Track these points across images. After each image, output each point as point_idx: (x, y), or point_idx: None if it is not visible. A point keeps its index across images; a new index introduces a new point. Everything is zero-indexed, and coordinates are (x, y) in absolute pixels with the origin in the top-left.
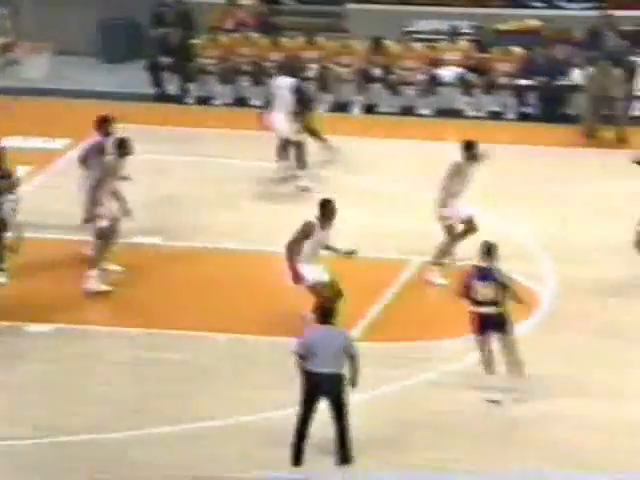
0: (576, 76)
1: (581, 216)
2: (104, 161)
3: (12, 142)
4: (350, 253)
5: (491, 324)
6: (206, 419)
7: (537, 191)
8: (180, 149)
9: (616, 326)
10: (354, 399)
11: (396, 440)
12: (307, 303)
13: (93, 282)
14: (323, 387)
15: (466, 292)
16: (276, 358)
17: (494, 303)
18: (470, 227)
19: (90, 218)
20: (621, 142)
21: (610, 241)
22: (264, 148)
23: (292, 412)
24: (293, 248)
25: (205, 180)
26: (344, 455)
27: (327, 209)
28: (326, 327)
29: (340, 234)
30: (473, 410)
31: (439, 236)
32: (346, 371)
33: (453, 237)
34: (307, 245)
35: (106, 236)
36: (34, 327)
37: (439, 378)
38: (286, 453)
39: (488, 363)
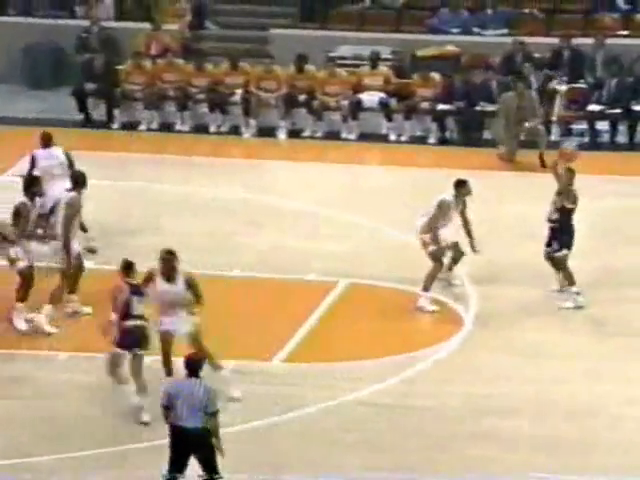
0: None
1: (500, 238)
2: (69, 199)
3: None
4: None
5: (136, 339)
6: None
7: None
8: (106, 174)
9: (535, 345)
10: (285, 418)
11: (327, 458)
12: None
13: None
14: (185, 440)
15: (124, 307)
16: None
17: (144, 318)
18: (457, 252)
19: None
20: (543, 166)
21: (529, 262)
22: (189, 172)
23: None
24: None
25: (131, 204)
26: None
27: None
28: (191, 380)
29: (266, 256)
30: (400, 428)
31: (364, 258)
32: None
33: (440, 263)
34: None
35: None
36: None
37: (366, 397)
38: None
39: (120, 377)
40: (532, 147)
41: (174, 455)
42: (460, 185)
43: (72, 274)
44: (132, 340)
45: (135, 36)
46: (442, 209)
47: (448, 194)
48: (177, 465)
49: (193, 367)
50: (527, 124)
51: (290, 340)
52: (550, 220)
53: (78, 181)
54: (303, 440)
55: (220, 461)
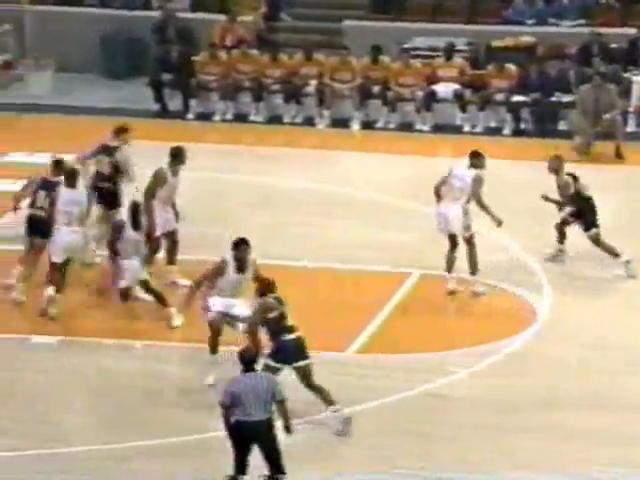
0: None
1: (574, 229)
2: (156, 170)
3: (15, 157)
4: None
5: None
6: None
7: (531, 205)
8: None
9: (606, 337)
10: (356, 409)
11: (397, 449)
12: None
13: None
14: (253, 435)
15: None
16: None
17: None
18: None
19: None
20: (619, 157)
21: (602, 252)
22: (263, 163)
23: None
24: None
25: (204, 195)
26: None
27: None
28: (251, 375)
29: (337, 247)
30: (467, 420)
31: (438, 249)
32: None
33: (474, 247)
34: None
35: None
36: (37, 339)
37: (437, 389)
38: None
39: None
40: (607, 139)
41: (240, 454)
42: (477, 156)
43: (170, 245)
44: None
45: (210, 27)
46: (479, 183)
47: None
48: (243, 464)
49: (249, 361)
50: (605, 116)
51: (363, 331)
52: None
53: (173, 155)
54: (373, 431)
55: (292, 453)
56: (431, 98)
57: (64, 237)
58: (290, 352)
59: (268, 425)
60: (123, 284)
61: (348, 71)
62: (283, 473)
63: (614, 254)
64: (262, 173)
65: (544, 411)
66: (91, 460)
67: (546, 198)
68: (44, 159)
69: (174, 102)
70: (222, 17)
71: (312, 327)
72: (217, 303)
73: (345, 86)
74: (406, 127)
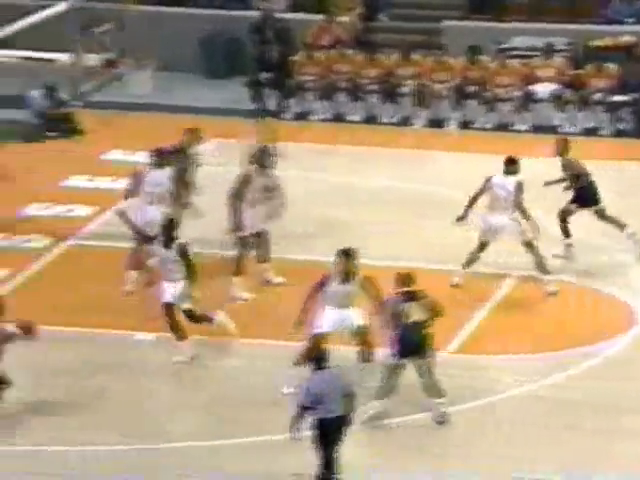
0: None
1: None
2: (243, 171)
3: (115, 155)
4: None
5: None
6: None
7: (633, 206)
8: (279, 164)
9: None
10: (453, 409)
11: (493, 451)
12: None
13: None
14: (338, 430)
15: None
16: None
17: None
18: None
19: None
20: None
21: None
22: (359, 162)
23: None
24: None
25: (300, 194)
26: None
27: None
28: (325, 372)
29: (436, 247)
30: (560, 422)
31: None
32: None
33: (535, 248)
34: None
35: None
36: (140, 335)
37: (534, 391)
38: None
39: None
40: None
41: (327, 451)
42: (512, 163)
43: (261, 244)
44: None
45: (308, 27)
46: (521, 190)
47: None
48: (332, 461)
49: (320, 359)
50: None
51: (460, 331)
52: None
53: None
54: (471, 432)
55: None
56: (529, 98)
57: (148, 215)
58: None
59: (350, 417)
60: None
61: (445, 71)
62: (333, 473)
63: (620, 226)
64: (358, 173)
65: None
66: (189, 456)
67: (547, 183)
68: (143, 158)
69: (271, 102)
70: (320, 17)
71: None
72: (327, 319)
73: (442, 86)
74: (503, 127)
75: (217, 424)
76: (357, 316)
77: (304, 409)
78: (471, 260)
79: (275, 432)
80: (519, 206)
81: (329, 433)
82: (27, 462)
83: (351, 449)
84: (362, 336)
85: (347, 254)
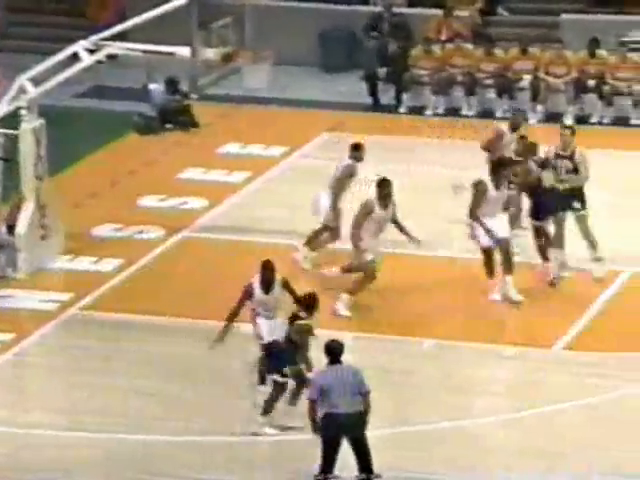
0: None
1: None
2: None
3: (231, 148)
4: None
5: None
6: None
7: None
8: (393, 157)
9: None
10: (562, 407)
11: (605, 449)
12: None
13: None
14: (342, 428)
15: None
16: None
17: None
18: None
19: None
20: None
21: None
22: (473, 157)
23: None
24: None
25: (415, 188)
26: None
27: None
28: (337, 367)
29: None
30: None
31: None
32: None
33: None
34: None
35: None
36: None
37: None
38: None
39: None
40: None
41: (328, 449)
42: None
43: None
44: None
45: (426, 22)
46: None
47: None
48: (331, 460)
49: (335, 353)
50: None
51: (571, 328)
52: None
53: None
54: (581, 429)
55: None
56: None
57: None
58: None
59: (358, 419)
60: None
61: (563, 65)
62: (371, 472)
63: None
64: (470, 167)
65: None
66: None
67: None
68: (259, 150)
69: (387, 96)
70: (438, 12)
71: (520, 322)
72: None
73: (560, 80)
74: (622, 122)
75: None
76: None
77: (312, 402)
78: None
79: None
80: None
81: (332, 429)
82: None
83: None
84: None
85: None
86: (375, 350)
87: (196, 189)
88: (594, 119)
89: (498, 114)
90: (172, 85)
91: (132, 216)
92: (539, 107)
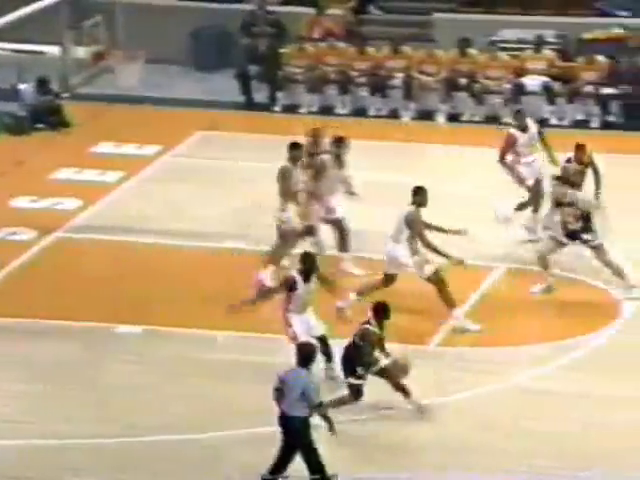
0: None
1: None
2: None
3: (105, 148)
4: (460, 263)
5: None
6: None
7: (619, 199)
8: (266, 157)
9: None
10: (439, 402)
11: (484, 444)
12: None
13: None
14: (286, 430)
15: None
16: None
17: None
18: None
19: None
20: None
21: None
22: (348, 155)
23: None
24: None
25: None
26: None
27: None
28: (297, 370)
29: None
30: (551, 414)
31: (522, 243)
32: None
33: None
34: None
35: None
36: (123, 328)
37: (523, 383)
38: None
39: None
40: None
41: (281, 447)
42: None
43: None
44: None
45: (298, 20)
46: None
47: None
48: (281, 459)
49: (302, 356)
50: None
51: (446, 324)
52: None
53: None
54: (458, 424)
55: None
56: (519, 91)
57: None
58: None
59: (300, 424)
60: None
61: (435, 64)
62: (323, 474)
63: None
64: (347, 165)
65: (631, 408)
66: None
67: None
68: (133, 150)
69: (261, 94)
70: (311, 10)
71: (395, 321)
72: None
73: (432, 79)
74: (492, 120)
75: (208, 416)
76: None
77: (274, 391)
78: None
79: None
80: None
81: (281, 429)
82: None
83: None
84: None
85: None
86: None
87: (69, 189)
88: (465, 117)
89: (371, 112)
90: (43, 85)
91: (4, 218)
92: (411, 105)
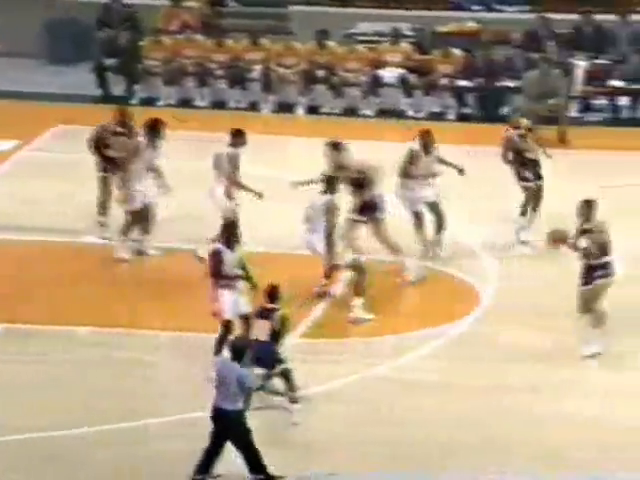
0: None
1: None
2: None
3: None
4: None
5: None
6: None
7: (476, 190)
8: None
9: (552, 320)
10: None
11: (346, 436)
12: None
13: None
14: (219, 423)
15: None
16: None
17: None
18: None
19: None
20: (562, 142)
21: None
22: (208, 148)
23: None
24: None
25: None
26: None
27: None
28: (231, 363)
29: (283, 233)
30: (415, 403)
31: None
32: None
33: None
34: None
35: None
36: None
37: (383, 373)
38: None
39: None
40: (551, 123)
41: (210, 442)
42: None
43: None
44: None
45: (155, 12)
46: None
47: None
48: (208, 454)
49: (234, 350)
50: (551, 101)
51: (306, 316)
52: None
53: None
54: (317, 417)
55: None
56: (376, 83)
57: None
58: None
59: (236, 417)
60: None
61: (293, 56)
62: (263, 472)
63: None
64: (207, 158)
65: (492, 394)
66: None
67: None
68: None
69: (119, 87)
70: (166, 2)
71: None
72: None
73: (290, 71)
74: (351, 112)
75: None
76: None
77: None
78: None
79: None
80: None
81: (213, 422)
82: None
83: None
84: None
85: None
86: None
87: None
88: (325, 109)
89: (231, 105)
90: None
91: None
92: (270, 97)
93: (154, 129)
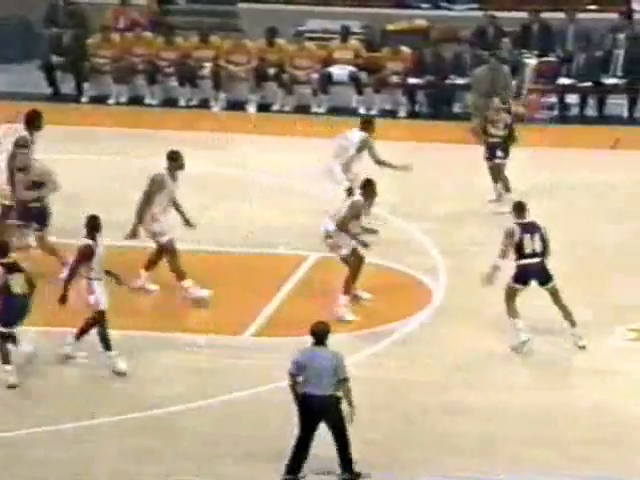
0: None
1: (475, 212)
2: (153, 176)
3: None
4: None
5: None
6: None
7: (427, 186)
8: (75, 148)
9: (504, 318)
10: (255, 391)
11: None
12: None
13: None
14: (317, 410)
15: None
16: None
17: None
18: None
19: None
20: (512, 140)
21: (497, 234)
22: (158, 146)
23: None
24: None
25: (102, 178)
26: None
27: None
28: (318, 348)
29: (235, 230)
30: (368, 401)
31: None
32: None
33: None
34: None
35: (171, 250)
36: None
37: None
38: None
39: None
40: None
41: (303, 429)
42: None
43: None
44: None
45: (103, 10)
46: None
47: None
48: (305, 441)
49: (318, 335)
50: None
51: (260, 314)
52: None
53: (173, 159)
54: (272, 413)
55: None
56: (327, 80)
57: None
58: None
59: (333, 402)
60: (102, 307)
61: (243, 53)
62: (349, 457)
63: (507, 188)
64: (158, 156)
65: (440, 393)
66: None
67: None
68: None
69: (68, 85)
70: (115, 0)
71: (209, 310)
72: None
73: (240, 68)
74: (302, 109)
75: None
76: None
77: (290, 377)
78: None
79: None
80: None
81: (308, 410)
82: None
83: None
84: None
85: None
86: None
87: None
88: (276, 107)
89: (181, 103)
90: None
91: None
92: (221, 95)
93: (175, 160)
